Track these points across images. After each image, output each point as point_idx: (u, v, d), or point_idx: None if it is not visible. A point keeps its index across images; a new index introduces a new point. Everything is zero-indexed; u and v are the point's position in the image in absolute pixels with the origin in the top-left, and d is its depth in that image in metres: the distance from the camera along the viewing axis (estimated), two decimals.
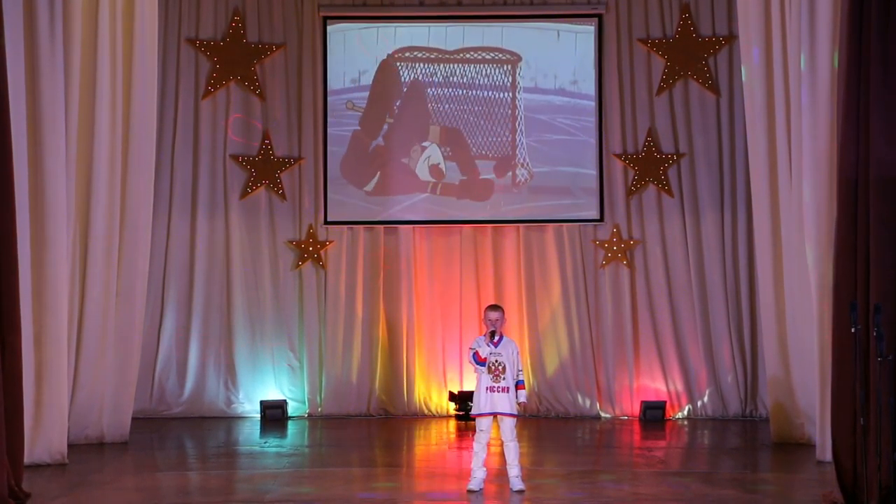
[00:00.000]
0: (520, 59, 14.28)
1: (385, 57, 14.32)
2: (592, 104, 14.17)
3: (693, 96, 14.16)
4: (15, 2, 9.92)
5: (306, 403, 14.06)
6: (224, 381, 14.07)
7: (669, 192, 14.12)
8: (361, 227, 14.24)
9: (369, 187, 14.23)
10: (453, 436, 12.85)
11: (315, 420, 13.83)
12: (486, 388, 9.24)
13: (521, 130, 14.30)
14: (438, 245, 14.32)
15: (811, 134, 10.34)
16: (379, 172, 14.25)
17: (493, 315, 9.33)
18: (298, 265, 14.19)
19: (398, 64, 14.36)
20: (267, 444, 12.11)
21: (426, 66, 14.36)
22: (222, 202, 14.18)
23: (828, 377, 9.45)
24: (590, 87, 14.18)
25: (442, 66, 14.35)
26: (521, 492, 9.20)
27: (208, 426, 13.25)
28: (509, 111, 14.31)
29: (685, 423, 13.61)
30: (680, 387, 13.93)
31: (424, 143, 14.29)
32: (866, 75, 8.65)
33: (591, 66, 14.17)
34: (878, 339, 8.02)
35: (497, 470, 9.83)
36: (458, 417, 13.65)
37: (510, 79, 14.32)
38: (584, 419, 13.83)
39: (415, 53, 14.38)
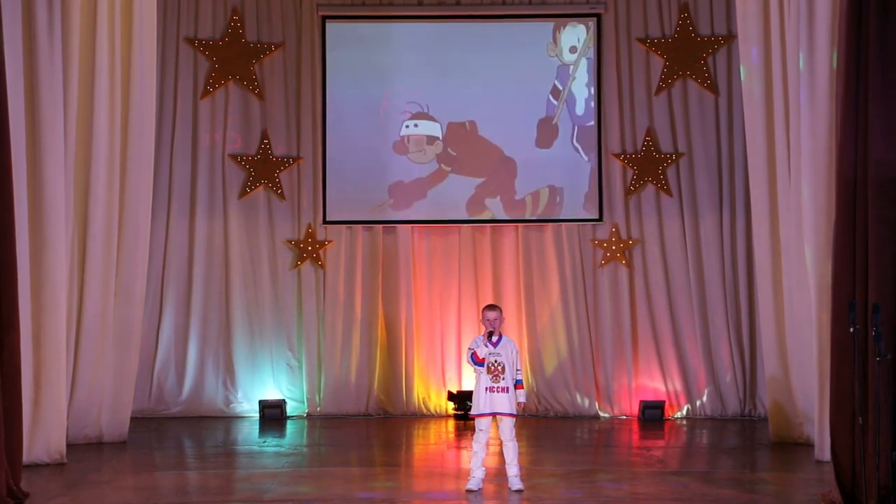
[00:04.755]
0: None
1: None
2: (591, 104, 14.17)
3: (692, 96, 14.15)
4: (14, 2, 9.92)
5: (305, 403, 14.06)
6: (223, 381, 14.06)
7: (668, 192, 14.11)
8: (360, 226, 14.24)
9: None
10: (452, 435, 12.84)
11: (314, 420, 13.83)
12: (486, 388, 9.24)
13: None
14: (437, 245, 14.31)
15: (810, 134, 10.34)
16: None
17: (491, 315, 9.32)
18: (297, 265, 14.19)
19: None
20: (265, 444, 12.10)
21: None
22: (221, 202, 14.17)
23: (826, 377, 9.46)
24: (589, 86, 14.19)
25: None
26: (519, 491, 9.20)
27: (207, 426, 13.25)
28: None
29: (684, 422, 13.61)
30: (678, 386, 13.93)
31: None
32: (865, 75, 8.65)
33: (590, 66, 14.18)
34: (877, 339, 8.02)
35: (496, 470, 9.83)
36: (456, 417, 13.64)
37: None
38: (583, 419, 13.82)
39: None
